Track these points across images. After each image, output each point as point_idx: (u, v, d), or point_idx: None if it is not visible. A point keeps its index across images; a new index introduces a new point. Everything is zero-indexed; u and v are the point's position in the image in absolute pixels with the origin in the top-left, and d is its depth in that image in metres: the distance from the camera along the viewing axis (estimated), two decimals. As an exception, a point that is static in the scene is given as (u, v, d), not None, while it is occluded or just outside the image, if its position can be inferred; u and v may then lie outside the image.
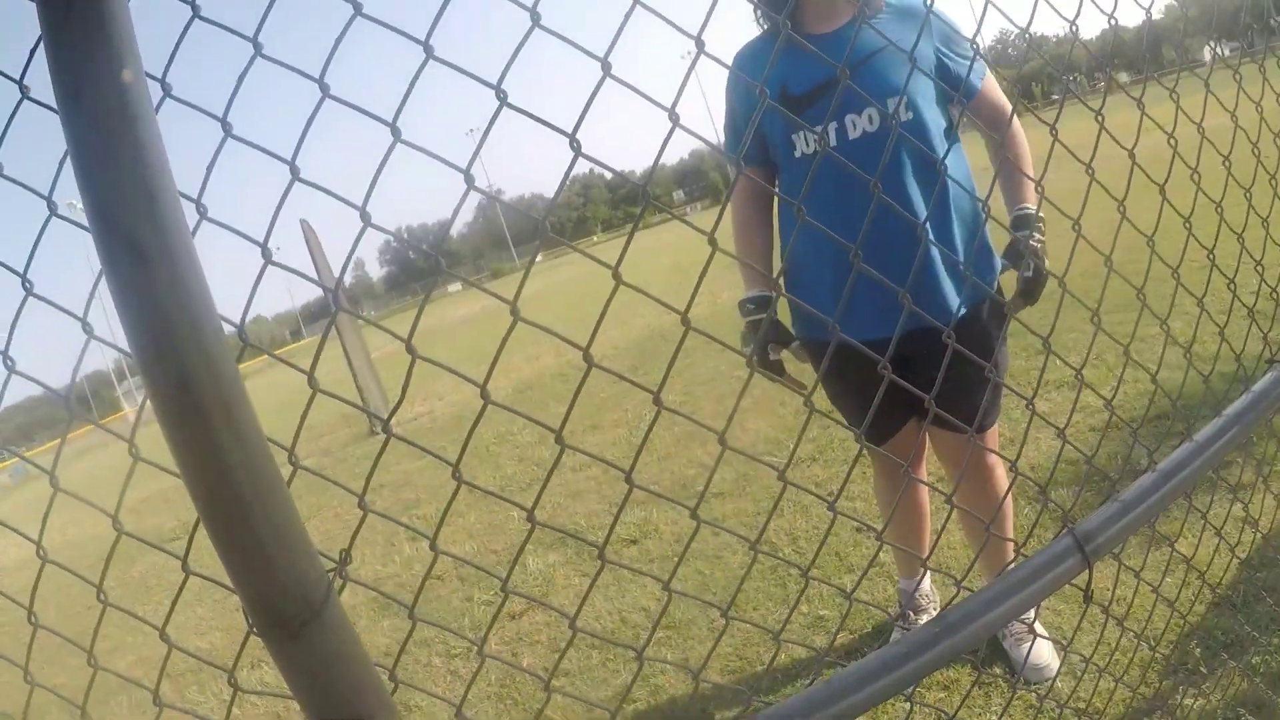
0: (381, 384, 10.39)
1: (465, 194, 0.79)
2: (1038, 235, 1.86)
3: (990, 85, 1.99)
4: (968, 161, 2.01)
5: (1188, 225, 1.46)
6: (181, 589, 0.89)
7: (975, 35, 1.30)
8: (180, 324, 0.57)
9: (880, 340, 1.78)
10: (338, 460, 8.08)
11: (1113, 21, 1.45)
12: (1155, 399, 3.24)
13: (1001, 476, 2.20)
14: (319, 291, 10.59)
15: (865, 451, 2.24)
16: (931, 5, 1.45)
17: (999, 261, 1.98)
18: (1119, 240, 1.42)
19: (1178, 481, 1.25)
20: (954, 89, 1.89)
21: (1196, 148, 1.47)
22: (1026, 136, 1.95)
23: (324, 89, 0.72)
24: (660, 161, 1.04)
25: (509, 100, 0.78)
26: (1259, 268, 1.57)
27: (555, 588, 3.65)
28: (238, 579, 0.63)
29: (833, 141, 1.88)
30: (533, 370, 9.51)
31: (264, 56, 0.74)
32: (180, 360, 0.57)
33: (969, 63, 1.89)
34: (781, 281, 2.10)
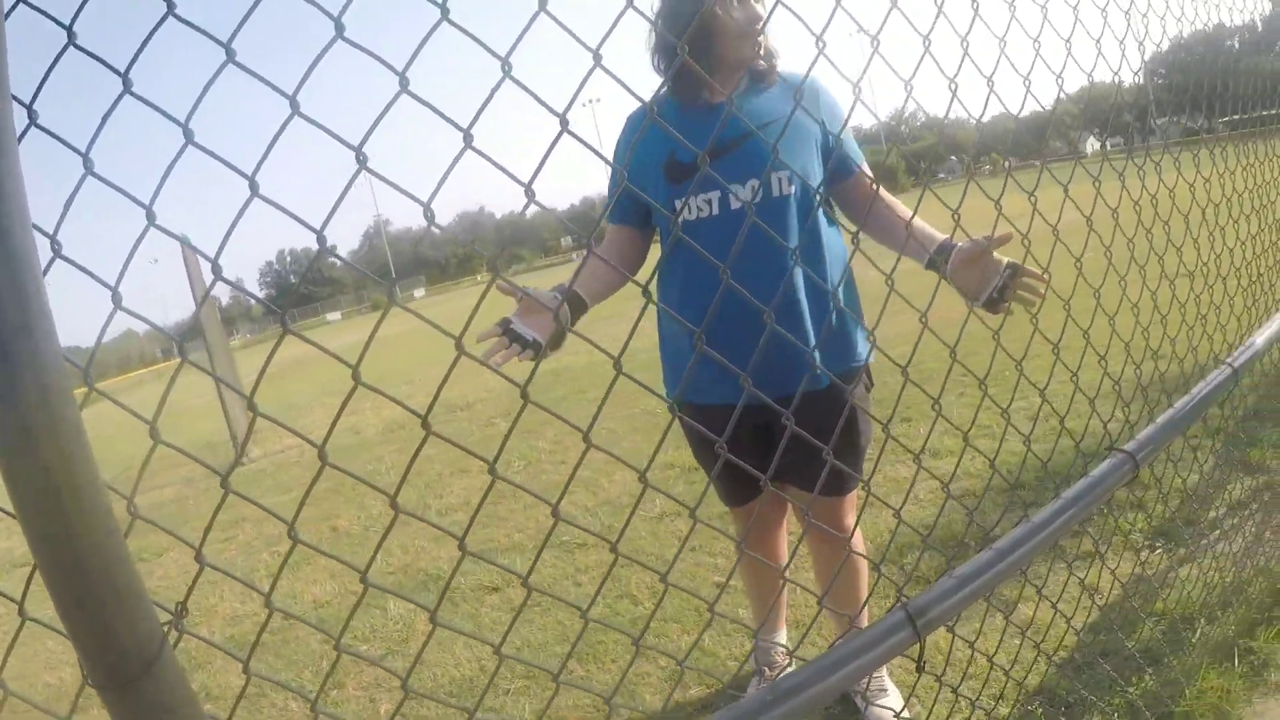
0: (248, 413, 9.90)
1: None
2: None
3: (866, 171, 2.03)
4: (843, 238, 2.06)
5: (1034, 321, 1.55)
6: (18, 632, 0.85)
7: (848, 116, 1.37)
8: (24, 369, 0.56)
9: (746, 407, 1.87)
10: (200, 491, 7.66)
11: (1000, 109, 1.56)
12: (1008, 469, 3.46)
13: (858, 541, 2.25)
14: (192, 309, 10.13)
15: (731, 511, 2.33)
16: (805, 84, 1.53)
17: (865, 340, 2.04)
18: (969, 322, 1.51)
19: (1014, 559, 1.32)
20: (838, 167, 1.98)
21: (1058, 224, 1.56)
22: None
23: (188, 135, 0.72)
24: (551, 206, 1.06)
25: (366, 162, 0.80)
26: (1102, 362, 1.69)
27: (416, 634, 3.56)
28: (74, 635, 0.61)
29: (715, 210, 1.92)
30: (403, 409, 9.18)
31: (132, 94, 0.73)
32: (21, 407, 0.56)
33: (844, 142, 1.95)
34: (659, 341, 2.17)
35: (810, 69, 1.29)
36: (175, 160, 0.74)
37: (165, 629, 0.66)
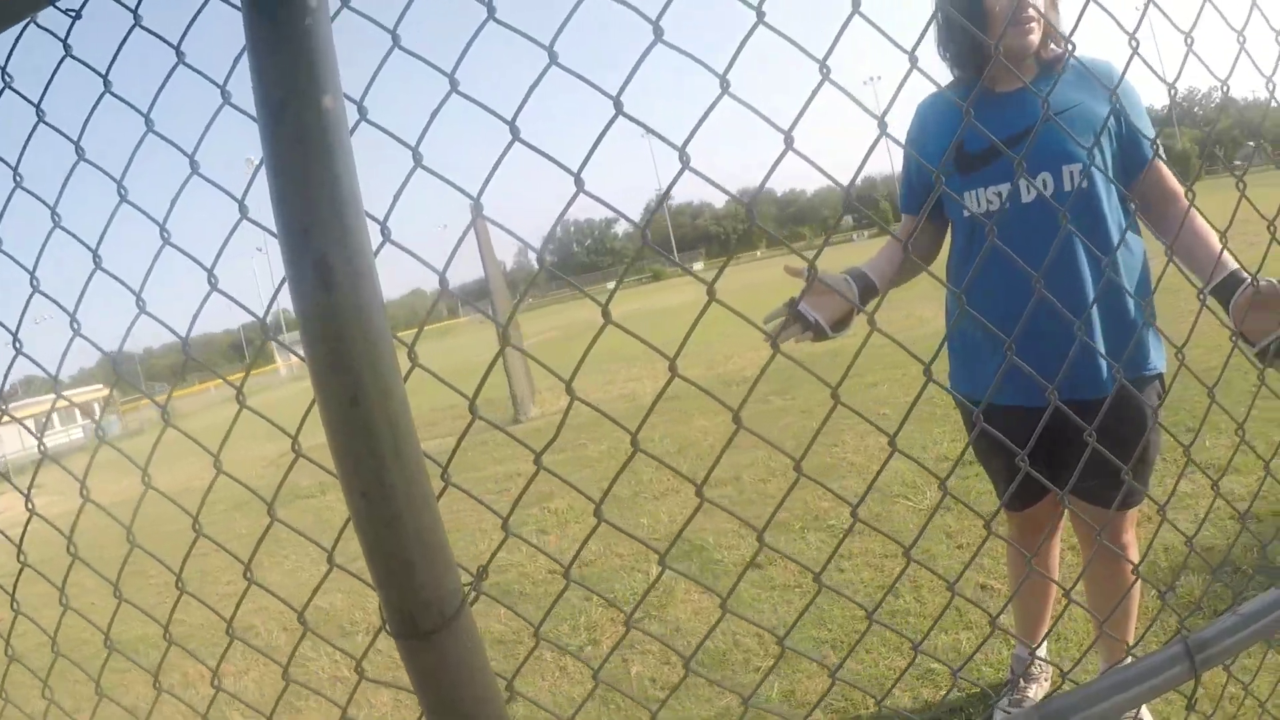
0: (530, 373, 10.67)
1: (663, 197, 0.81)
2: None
3: (1162, 167, 1.88)
4: (1142, 239, 1.94)
5: None
6: (323, 580, 0.94)
7: (1171, 91, 1.21)
8: (358, 343, 0.61)
9: (1035, 408, 1.78)
10: (479, 444, 8.33)
11: None
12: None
13: (1135, 558, 2.08)
14: (480, 273, 10.98)
15: (1005, 512, 2.18)
16: (1123, 74, 1.44)
17: (1160, 344, 1.92)
18: None
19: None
20: (1131, 161, 1.84)
21: None
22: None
23: (514, 132, 0.75)
24: (833, 183, 1.04)
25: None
26: None
27: (674, 600, 3.65)
28: (381, 585, 0.66)
29: (1004, 204, 1.86)
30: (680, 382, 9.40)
31: (459, 93, 0.78)
32: (355, 377, 0.61)
33: (1148, 137, 1.79)
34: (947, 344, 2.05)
35: (1127, 66, 1.24)
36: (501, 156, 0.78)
37: (466, 589, 0.69)
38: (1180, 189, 1.85)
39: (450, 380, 0.89)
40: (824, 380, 0.96)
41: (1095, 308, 1.82)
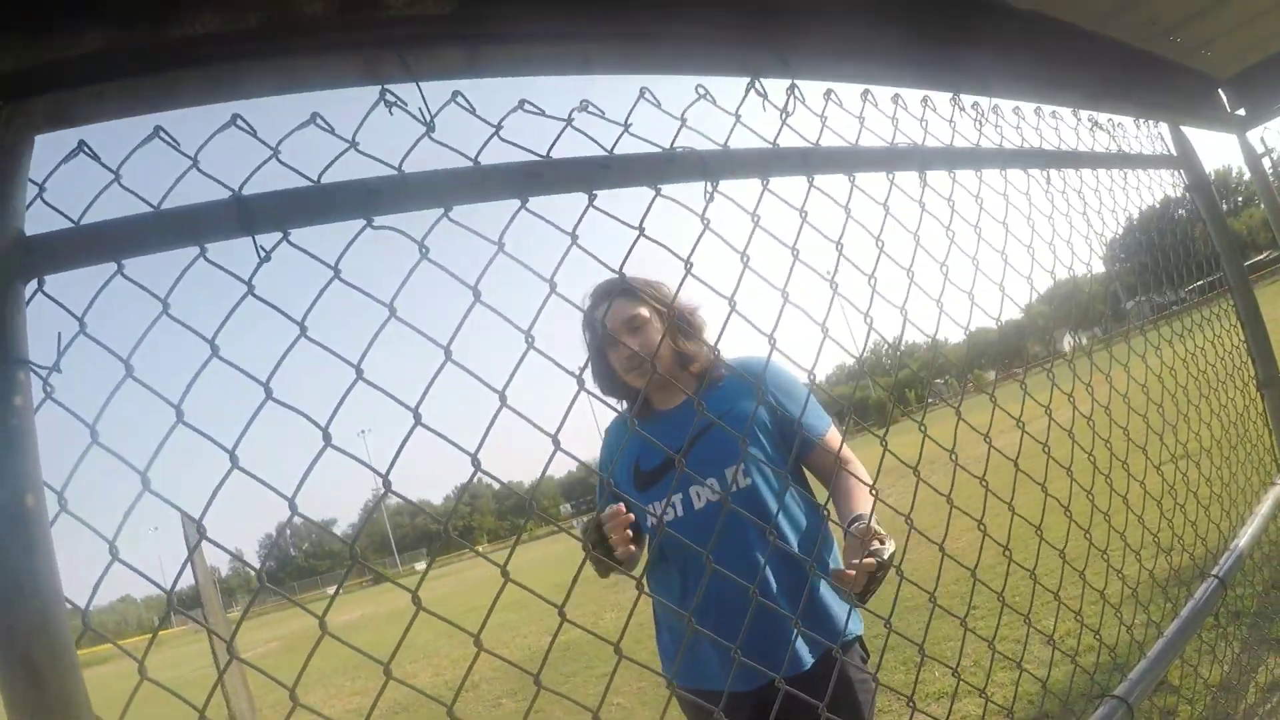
0: (249, 689, 9.52)
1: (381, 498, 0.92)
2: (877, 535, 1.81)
3: (833, 435, 2.08)
4: (818, 513, 2.04)
5: (1039, 532, 1.61)
6: None
7: (859, 358, 1.53)
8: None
9: (736, 692, 1.88)
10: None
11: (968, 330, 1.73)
12: (1032, 699, 3.36)
13: None
14: (190, 580, 9.84)
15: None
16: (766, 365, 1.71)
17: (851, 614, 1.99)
18: (985, 543, 1.56)
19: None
20: (798, 446, 2.00)
21: (1050, 438, 1.68)
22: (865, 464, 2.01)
23: (179, 415, 0.87)
24: (547, 474, 1.18)
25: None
26: (1104, 556, 1.77)
27: None
28: None
29: (680, 513, 2.00)
30: (405, 689, 8.74)
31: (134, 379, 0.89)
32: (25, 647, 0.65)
33: (803, 412, 1.95)
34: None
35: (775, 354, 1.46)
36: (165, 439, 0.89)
37: None
38: (849, 452, 1.99)
39: (162, 697, 0.89)
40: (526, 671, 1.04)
41: (782, 591, 1.91)
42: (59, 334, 0.90)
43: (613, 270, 1.18)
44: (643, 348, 2.03)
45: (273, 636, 24.42)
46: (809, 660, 1.92)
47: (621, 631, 1.10)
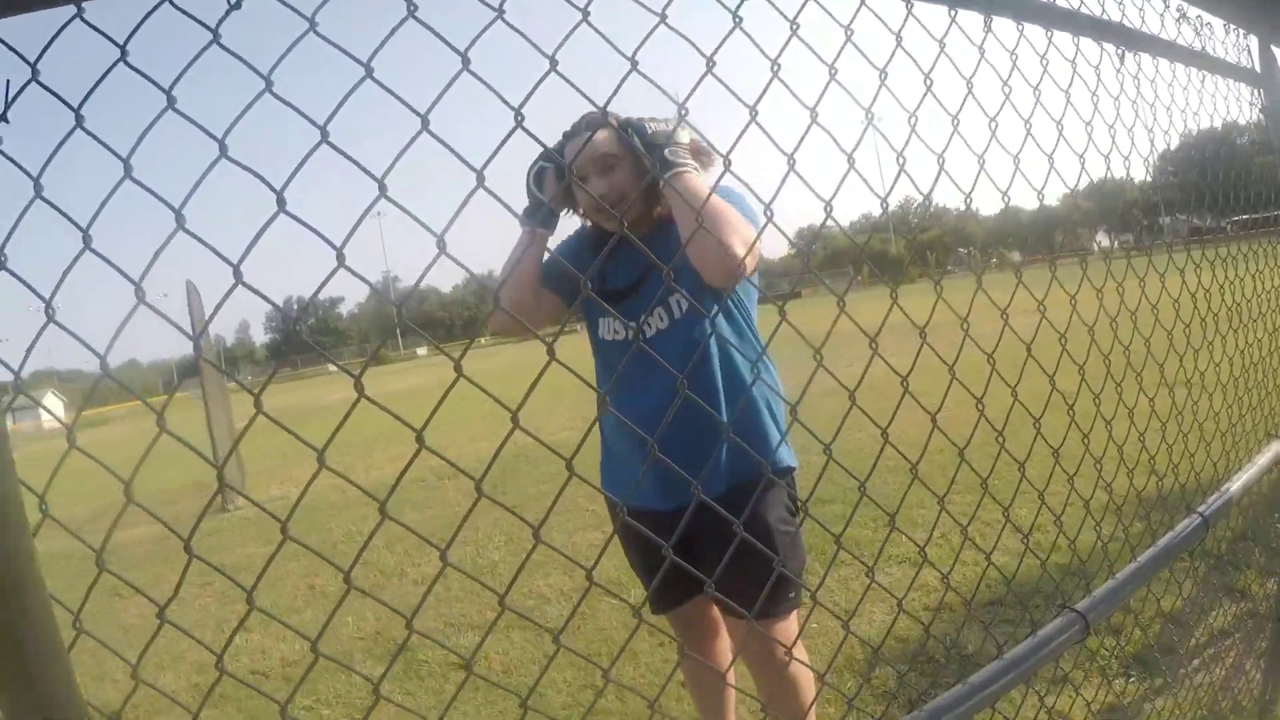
0: (241, 459, 9.91)
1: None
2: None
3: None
4: (757, 342, 2.08)
5: (1036, 425, 1.55)
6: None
7: (883, 204, 1.39)
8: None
9: (664, 510, 1.96)
10: (182, 531, 7.55)
11: (1007, 200, 1.57)
12: (992, 585, 3.45)
13: (797, 673, 2.07)
14: (185, 350, 10.13)
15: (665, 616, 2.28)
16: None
17: (781, 442, 2.04)
18: (979, 423, 1.48)
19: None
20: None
21: (1067, 332, 1.59)
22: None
23: (222, 148, 0.77)
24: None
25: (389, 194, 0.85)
26: (1097, 465, 1.72)
27: (381, 703, 3.49)
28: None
29: (627, 335, 2.06)
30: (395, 470, 9.22)
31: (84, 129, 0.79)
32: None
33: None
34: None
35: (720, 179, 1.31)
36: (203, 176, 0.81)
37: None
38: (745, 222, 1.92)
39: (158, 461, 0.86)
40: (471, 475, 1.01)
41: (723, 414, 1.94)
42: (7, 81, 0.80)
43: (624, 55, 1.01)
44: (611, 188, 1.97)
45: (270, 408, 25.09)
46: (721, 485, 1.95)
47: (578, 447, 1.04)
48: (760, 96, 1.15)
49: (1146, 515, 2.09)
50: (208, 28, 0.81)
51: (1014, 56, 1.56)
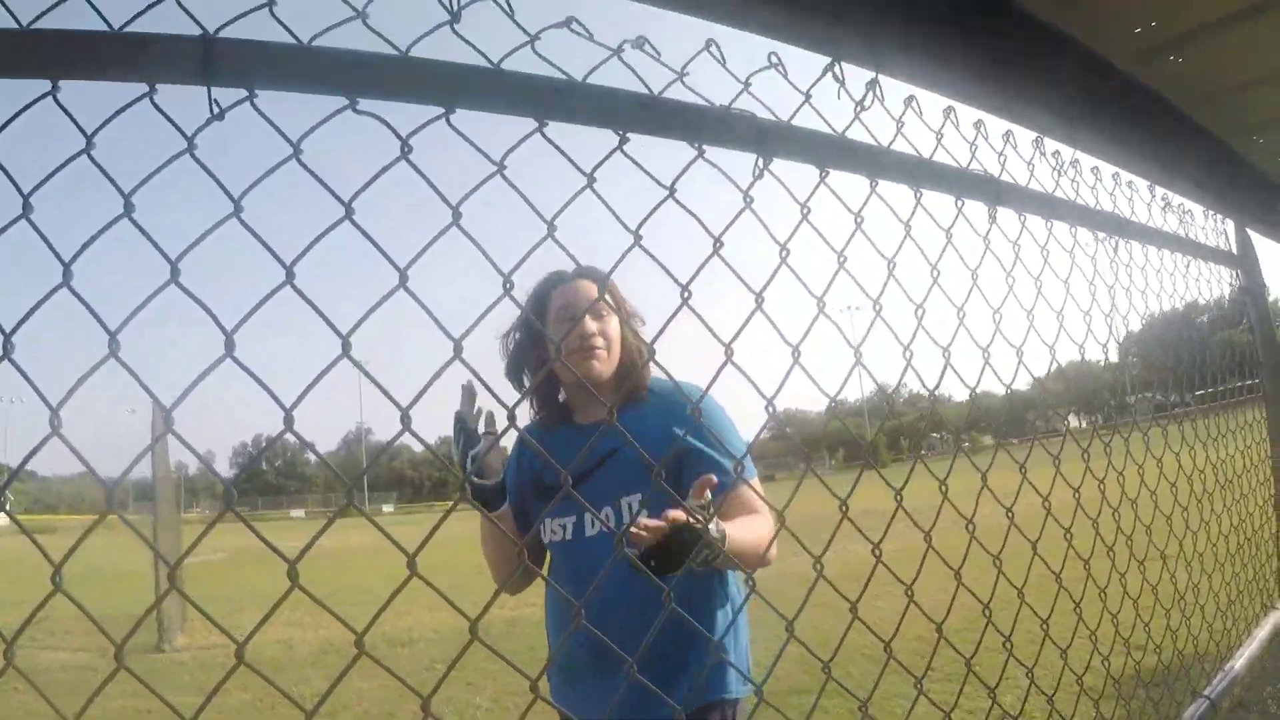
0: (184, 594, 9.41)
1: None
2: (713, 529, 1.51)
3: (745, 490, 1.70)
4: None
5: (1021, 598, 1.51)
6: None
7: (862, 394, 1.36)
8: None
9: None
10: (113, 664, 7.09)
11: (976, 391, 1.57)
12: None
13: None
14: (147, 472, 9.86)
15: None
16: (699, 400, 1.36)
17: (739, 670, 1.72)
18: (954, 608, 1.45)
19: None
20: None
21: (1042, 519, 1.56)
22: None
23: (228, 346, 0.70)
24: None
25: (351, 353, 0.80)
26: (1093, 637, 1.68)
27: None
28: None
29: (569, 535, 1.84)
30: (345, 632, 8.57)
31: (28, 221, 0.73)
32: None
33: (723, 459, 1.74)
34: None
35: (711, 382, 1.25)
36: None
37: None
38: (763, 510, 1.71)
39: (96, 583, 0.75)
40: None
41: (666, 636, 1.64)
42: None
43: (627, 228, 0.99)
44: (602, 335, 1.85)
45: (221, 547, 24.32)
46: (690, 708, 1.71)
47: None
48: (767, 283, 1.16)
49: (1146, 689, 1.98)
50: (184, 135, 0.77)
51: (1016, 247, 1.61)
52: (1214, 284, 2.89)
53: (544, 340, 1.86)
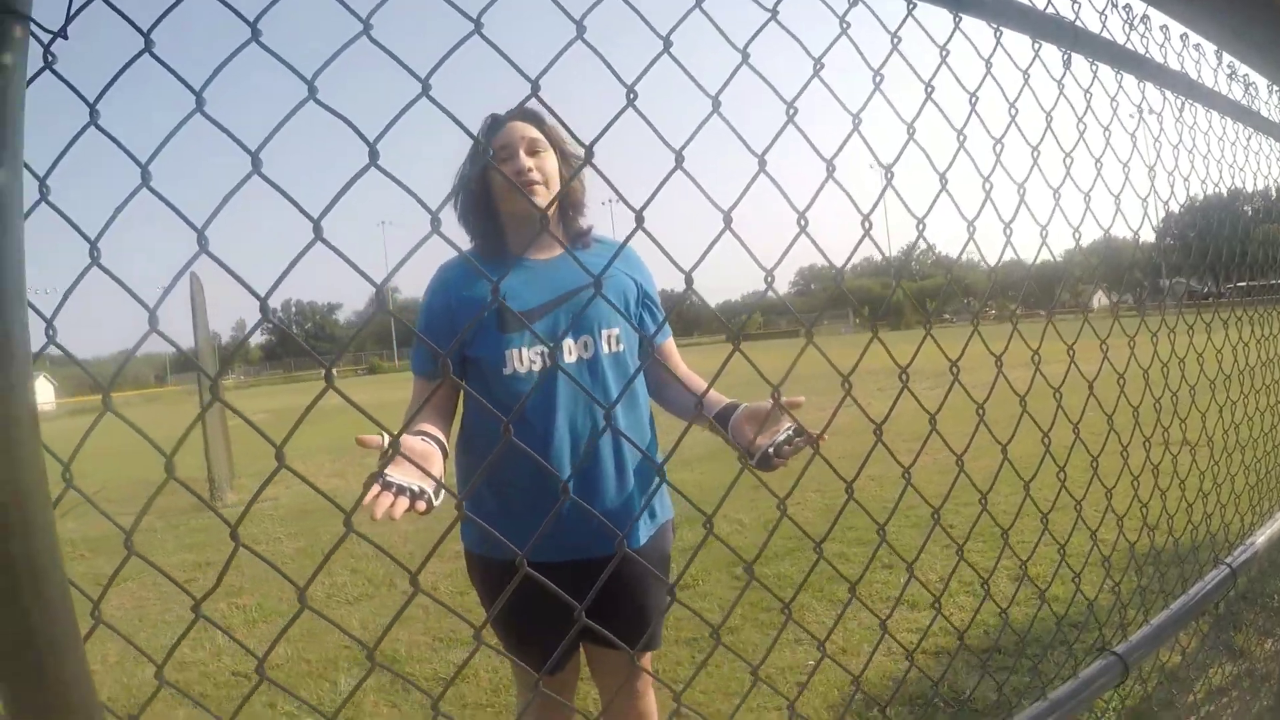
0: (231, 455, 9.87)
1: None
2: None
3: (673, 349, 2.12)
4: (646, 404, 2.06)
5: (1061, 475, 1.56)
6: None
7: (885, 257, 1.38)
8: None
9: (555, 563, 1.77)
10: (169, 526, 7.54)
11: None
12: (990, 631, 3.42)
13: (652, 700, 2.11)
14: (191, 342, 10.07)
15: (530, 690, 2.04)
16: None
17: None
18: (1001, 475, 1.51)
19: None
20: (645, 335, 1.98)
21: (1097, 385, 1.59)
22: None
23: (256, 163, 0.75)
24: None
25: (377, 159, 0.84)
26: (1121, 521, 1.72)
27: (363, 713, 3.46)
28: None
29: (547, 363, 1.85)
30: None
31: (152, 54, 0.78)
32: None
33: (661, 316, 2.03)
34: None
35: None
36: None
37: None
38: (683, 368, 2.07)
39: (145, 452, 0.85)
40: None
41: (609, 467, 1.89)
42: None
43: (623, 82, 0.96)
44: (539, 171, 1.89)
45: (264, 409, 25.08)
46: (642, 538, 1.94)
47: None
48: (770, 145, 1.13)
49: (1159, 563, 2.09)
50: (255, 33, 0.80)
51: (1088, 95, 1.60)
52: (1269, 167, 2.82)
53: (487, 182, 1.93)
